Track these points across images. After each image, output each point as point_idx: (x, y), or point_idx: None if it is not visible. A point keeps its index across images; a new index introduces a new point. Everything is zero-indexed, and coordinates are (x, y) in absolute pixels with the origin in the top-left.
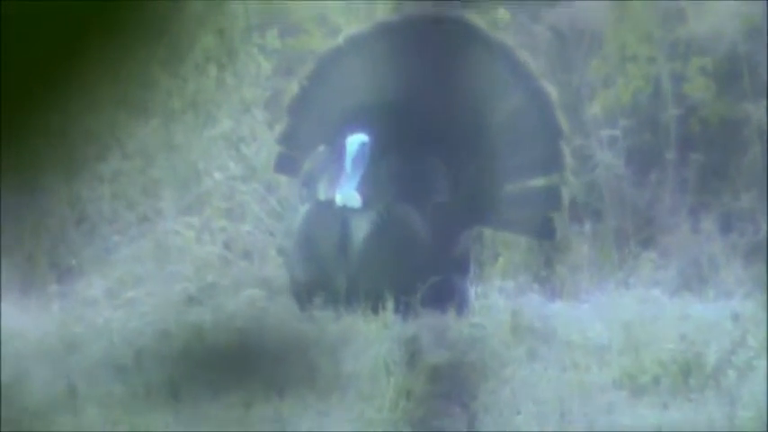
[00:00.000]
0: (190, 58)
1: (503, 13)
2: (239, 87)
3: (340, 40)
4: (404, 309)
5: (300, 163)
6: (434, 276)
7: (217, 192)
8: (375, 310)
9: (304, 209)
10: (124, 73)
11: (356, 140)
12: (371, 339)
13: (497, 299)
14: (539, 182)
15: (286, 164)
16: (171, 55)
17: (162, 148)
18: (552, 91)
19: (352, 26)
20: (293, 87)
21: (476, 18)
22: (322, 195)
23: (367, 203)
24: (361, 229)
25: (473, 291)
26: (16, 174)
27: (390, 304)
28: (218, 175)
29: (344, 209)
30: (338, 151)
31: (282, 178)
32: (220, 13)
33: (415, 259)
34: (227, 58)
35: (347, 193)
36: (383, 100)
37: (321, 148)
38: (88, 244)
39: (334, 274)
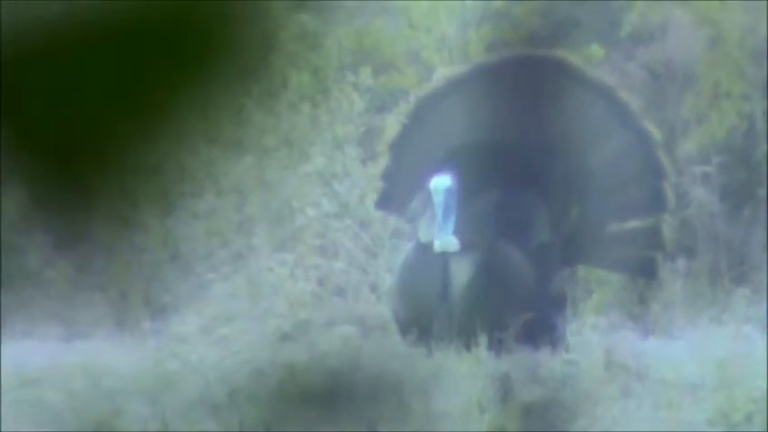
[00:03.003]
0: (284, 95)
1: (596, 50)
2: (332, 124)
3: (438, 81)
4: (497, 345)
5: (401, 200)
6: (528, 313)
7: (310, 229)
8: (468, 347)
9: (408, 248)
10: (218, 110)
11: (441, 187)
12: (464, 377)
13: (591, 336)
14: (640, 222)
15: (387, 200)
16: (265, 93)
17: (256, 185)
18: (654, 131)
19: (445, 64)
20: (394, 125)
21: (569, 56)
22: (422, 237)
23: (466, 245)
24: (462, 271)
25: (567, 327)
26: (111, 211)
27: (484, 341)
28: (311, 212)
29: (444, 254)
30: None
31: (376, 215)
32: (314, 52)
33: (511, 296)
34: (320, 96)
35: (444, 240)
36: (482, 140)
37: (424, 187)
38: (182, 281)
39: (434, 314)
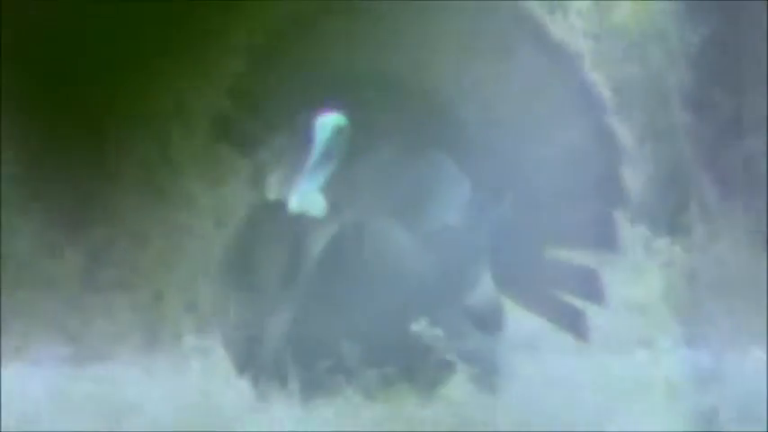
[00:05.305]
0: None
1: None
2: None
3: None
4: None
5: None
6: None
7: None
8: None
9: (244, 213)
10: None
11: (330, 123)
12: None
13: None
14: (583, 257)
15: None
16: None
17: None
18: (625, 133)
19: None
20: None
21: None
22: (272, 194)
23: (335, 212)
24: (317, 246)
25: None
26: (138, 174)
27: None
28: None
29: (301, 217)
30: (302, 138)
31: None
32: None
33: (379, 292)
34: None
35: (307, 196)
36: (390, 75)
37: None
38: None
39: (274, 309)
